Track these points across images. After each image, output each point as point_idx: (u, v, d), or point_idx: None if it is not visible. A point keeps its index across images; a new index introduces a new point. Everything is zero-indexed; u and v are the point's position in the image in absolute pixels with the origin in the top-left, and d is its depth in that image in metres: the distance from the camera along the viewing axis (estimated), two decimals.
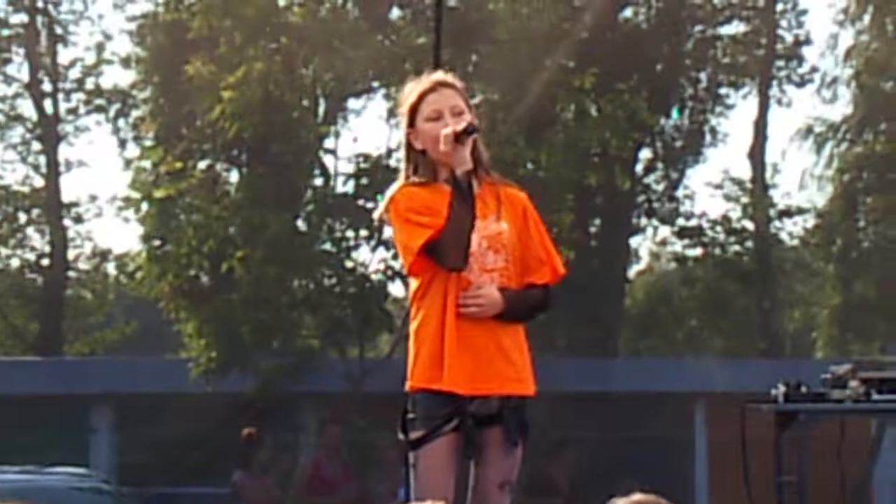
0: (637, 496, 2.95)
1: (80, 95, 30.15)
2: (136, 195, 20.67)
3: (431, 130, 5.46)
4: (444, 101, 5.51)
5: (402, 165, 5.63)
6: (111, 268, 31.87)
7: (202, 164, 21.00)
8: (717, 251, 28.22)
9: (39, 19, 29.89)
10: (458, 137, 5.42)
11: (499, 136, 19.43)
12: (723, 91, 28.10)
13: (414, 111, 5.53)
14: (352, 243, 19.61)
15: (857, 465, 10.12)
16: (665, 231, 28.93)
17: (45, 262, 30.01)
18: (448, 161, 5.42)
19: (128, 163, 26.85)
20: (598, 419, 21.33)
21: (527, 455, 5.59)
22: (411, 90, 5.60)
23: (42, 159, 29.95)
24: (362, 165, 19.51)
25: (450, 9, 19.02)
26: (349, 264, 19.66)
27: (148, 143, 23.24)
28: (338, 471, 15.38)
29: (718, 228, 28.18)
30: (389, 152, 19.26)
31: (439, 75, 5.73)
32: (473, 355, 5.38)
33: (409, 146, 5.56)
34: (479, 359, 5.38)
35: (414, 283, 5.53)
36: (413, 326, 5.50)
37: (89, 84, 30.01)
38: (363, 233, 19.39)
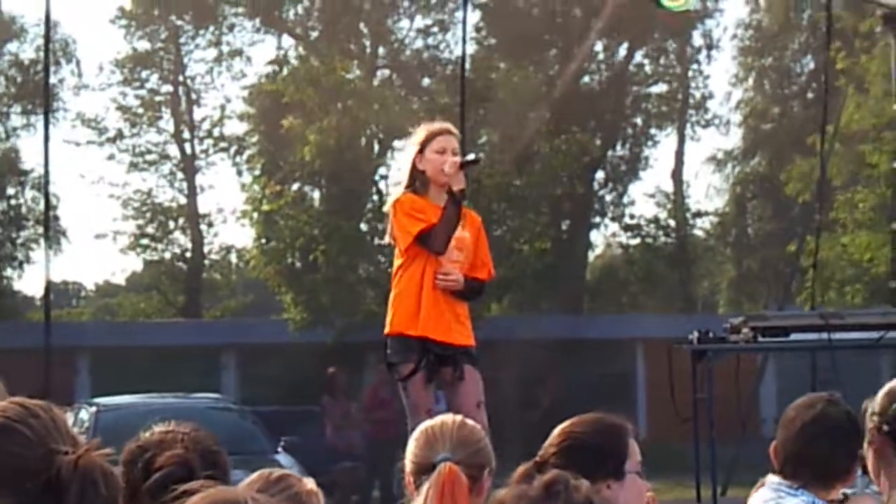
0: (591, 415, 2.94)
1: (210, 141, 30.21)
2: (249, 208, 20.72)
3: (437, 159, 5.42)
4: (448, 142, 5.48)
5: (405, 178, 5.56)
6: (234, 258, 31.89)
7: (294, 187, 21.02)
8: (650, 241, 28.14)
9: (181, 89, 29.95)
10: (463, 166, 5.43)
11: (498, 164, 19.42)
12: (652, 131, 28.02)
13: (426, 143, 5.48)
14: None
15: (748, 386, 10.08)
16: (614, 227, 28.89)
17: (188, 254, 30.09)
18: (447, 182, 5.38)
19: (243, 186, 26.92)
20: (570, 358, 21.32)
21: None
22: (425, 129, 5.56)
23: (184, 184, 30.01)
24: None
25: (465, 78, 18.98)
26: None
27: (257, 172, 23.25)
28: (388, 394, 15.38)
29: (651, 225, 28.09)
30: None
31: (447, 124, 5.71)
32: (439, 315, 5.39)
33: (414, 167, 5.51)
34: (442, 318, 5.40)
35: (398, 261, 5.53)
36: (395, 291, 5.49)
37: (216, 133, 30.09)
38: None
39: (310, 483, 2.66)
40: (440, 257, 5.42)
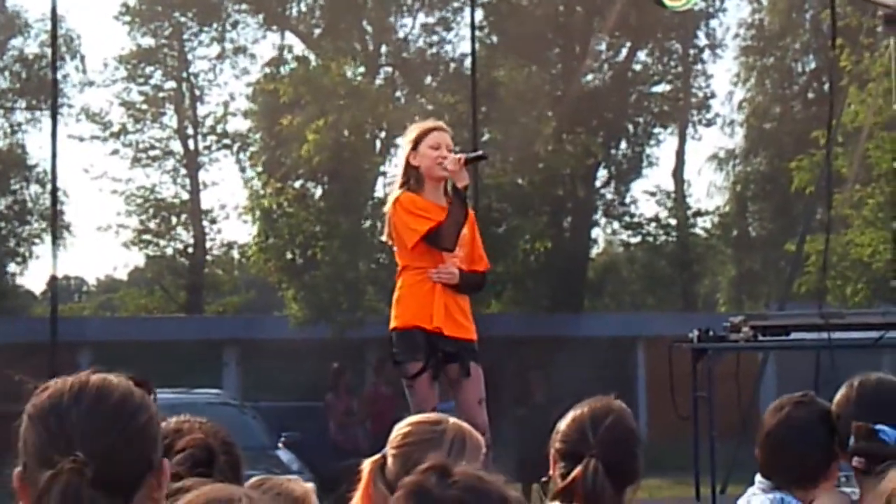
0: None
1: (213, 137, 30.20)
2: (250, 205, 20.70)
3: (431, 154, 5.43)
4: (442, 139, 5.49)
5: (399, 176, 5.59)
6: (235, 253, 31.89)
7: (295, 184, 21.02)
8: (651, 239, 28.14)
9: (184, 85, 29.94)
10: (468, 161, 5.44)
11: (500, 163, 19.41)
12: (655, 130, 28.01)
13: (419, 140, 5.48)
14: None
15: (748, 385, 10.07)
16: (615, 225, 28.89)
17: (190, 250, 30.09)
18: (441, 180, 5.43)
19: (245, 182, 26.94)
20: (570, 355, 21.31)
21: (493, 379, 5.62)
22: (418, 127, 5.58)
23: (187, 180, 30.00)
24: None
25: (467, 76, 18.96)
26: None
27: (258, 169, 23.24)
28: (389, 390, 15.34)
29: (652, 224, 28.10)
30: None
31: (439, 122, 5.73)
32: (447, 311, 5.42)
33: (408, 164, 5.51)
34: (450, 313, 5.43)
35: (402, 260, 5.54)
36: (402, 288, 5.50)
37: (219, 129, 30.08)
38: None
39: (302, 484, 2.70)
40: (447, 254, 5.44)
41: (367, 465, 2.79)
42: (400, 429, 2.86)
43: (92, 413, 1.88)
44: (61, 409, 1.88)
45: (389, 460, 2.79)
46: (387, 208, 5.63)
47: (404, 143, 5.59)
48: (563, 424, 2.79)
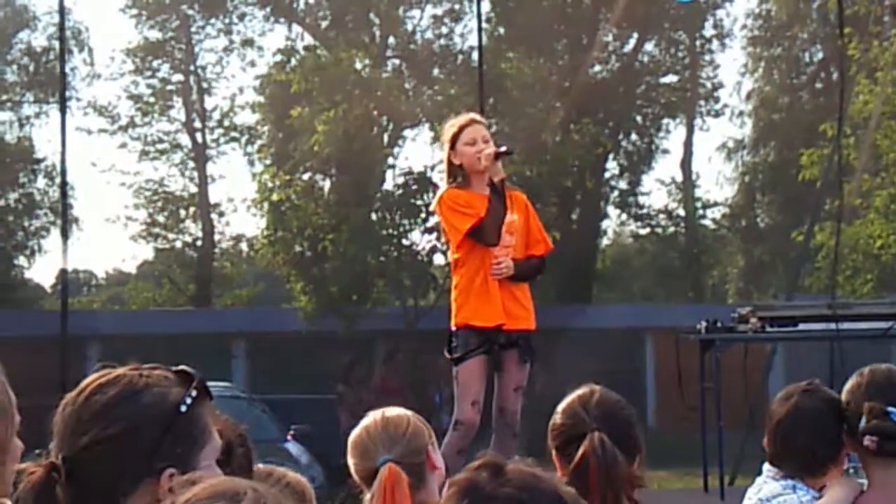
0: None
1: (220, 130, 30.22)
2: (259, 197, 20.72)
3: (469, 150, 5.52)
4: (477, 132, 5.57)
5: (444, 175, 5.70)
6: (244, 246, 31.93)
7: (304, 177, 21.02)
8: (660, 230, 28.14)
9: (192, 78, 29.96)
10: (497, 156, 5.54)
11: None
12: (664, 121, 27.98)
13: (455, 138, 5.57)
14: (407, 228, 19.62)
15: (756, 375, 10.08)
16: (624, 216, 28.88)
17: (199, 243, 30.13)
18: (485, 172, 5.51)
19: (253, 176, 26.96)
20: (578, 346, 21.31)
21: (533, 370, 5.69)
22: (453, 124, 5.65)
23: (195, 173, 30.04)
24: (413, 177, 19.55)
25: (474, 68, 18.95)
26: (405, 243, 19.67)
27: (267, 162, 23.25)
28: (398, 383, 15.45)
29: (661, 215, 28.09)
30: (432, 167, 19.27)
31: (473, 114, 5.82)
32: (505, 303, 5.49)
33: (450, 162, 5.60)
34: (506, 305, 5.50)
35: (455, 255, 5.61)
36: (458, 286, 5.58)
37: (226, 122, 30.10)
38: (416, 222, 19.41)
39: (299, 477, 2.74)
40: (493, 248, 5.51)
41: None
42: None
43: (78, 412, 1.87)
44: (63, 407, 1.89)
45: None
46: (433, 207, 5.76)
47: (442, 142, 5.68)
48: (556, 419, 2.82)
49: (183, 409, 1.93)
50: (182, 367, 1.98)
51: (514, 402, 5.46)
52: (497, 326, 5.45)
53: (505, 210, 5.49)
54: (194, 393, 1.95)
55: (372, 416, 3.00)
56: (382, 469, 2.79)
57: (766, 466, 3.19)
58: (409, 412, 2.99)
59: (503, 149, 5.61)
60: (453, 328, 5.52)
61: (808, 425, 3.11)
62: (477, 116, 5.73)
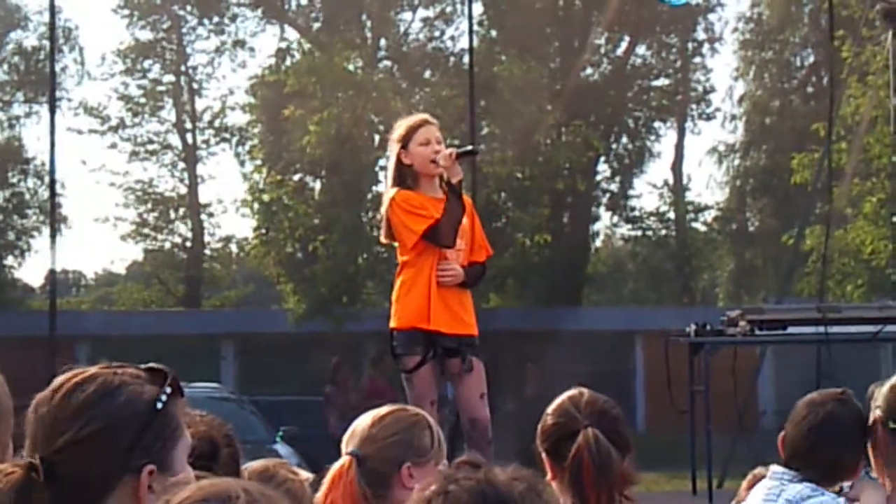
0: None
1: (211, 131, 30.21)
2: (249, 198, 20.70)
3: (422, 151, 5.40)
4: (430, 133, 5.46)
5: (390, 174, 5.55)
6: (234, 248, 31.90)
7: (295, 177, 21.01)
8: (651, 233, 28.16)
9: (182, 79, 29.94)
10: (459, 157, 5.41)
11: (500, 156, 19.40)
12: (656, 124, 28.01)
13: (408, 138, 5.44)
14: None
15: (744, 378, 10.09)
16: (615, 219, 28.89)
17: (188, 244, 30.10)
18: (437, 172, 5.38)
19: (244, 176, 26.94)
20: (567, 348, 21.32)
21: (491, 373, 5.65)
22: (405, 124, 5.54)
23: (185, 174, 30.01)
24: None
25: (466, 70, 18.97)
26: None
27: (258, 162, 23.24)
28: (387, 384, 15.39)
29: (652, 218, 28.10)
30: None
31: (426, 115, 5.68)
32: (448, 308, 5.40)
33: (400, 162, 5.48)
34: (451, 310, 5.41)
35: (403, 257, 5.51)
36: (401, 287, 5.49)
37: (217, 123, 30.08)
38: None
39: (300, 478, 2.73)
40: (446, 250, 5.43)
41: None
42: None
43: (55, 412, 1.87)
44: (35, 408, 1.89)
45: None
46: (383, 209, 5.60)
47: (392, 142, 5.55)
48: (547, 420, 2.83)
49: (159, 406, 1.93)
50: (152, 364, 1.99)
51: (483, 409, 5.38)
52: (441, 331, 5.36)
53: (463, 211, 5.40)
54: (169, 390, 1.96)
55: (370, 413, 2.96)
56: (343, 458, 2.78)
57: (777, 468, 3.20)
58: (431, 422, 2.93)
59: (468, 148, 5.54)
60: (395, 329, 5.44)
61: (841, 433, 3.16)
62: (430, 118, 5.59)
